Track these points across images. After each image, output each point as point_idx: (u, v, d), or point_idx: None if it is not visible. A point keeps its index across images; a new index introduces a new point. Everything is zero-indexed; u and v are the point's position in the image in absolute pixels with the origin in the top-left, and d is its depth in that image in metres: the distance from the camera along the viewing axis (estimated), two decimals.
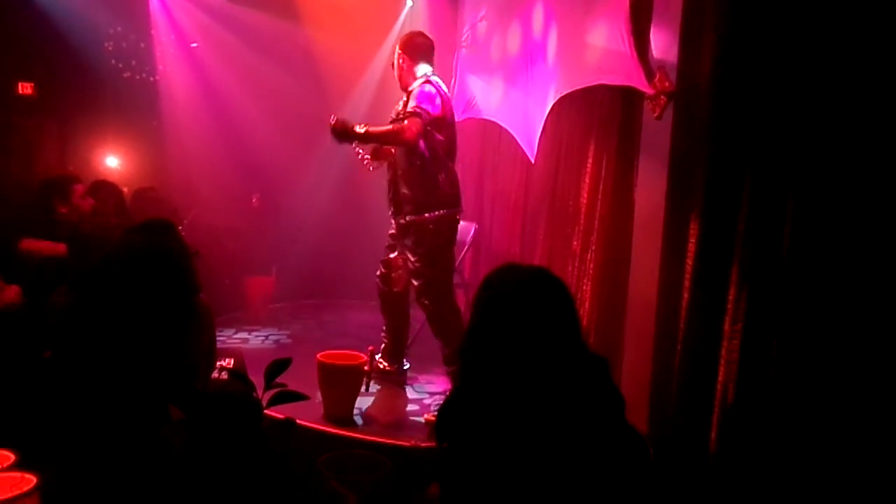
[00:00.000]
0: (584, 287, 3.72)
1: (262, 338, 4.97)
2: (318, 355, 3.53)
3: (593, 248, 3.68)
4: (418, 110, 3.59)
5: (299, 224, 5.93)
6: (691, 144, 2.84)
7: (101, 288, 1.91)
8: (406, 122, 3.58)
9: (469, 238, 4.92)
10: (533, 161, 4.37)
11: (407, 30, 5.53)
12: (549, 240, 4.23)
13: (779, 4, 2.40)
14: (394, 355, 4.13)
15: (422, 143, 3.67)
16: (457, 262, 4.77)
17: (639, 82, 3.26)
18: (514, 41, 4.68)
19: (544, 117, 4.18)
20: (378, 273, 4.13)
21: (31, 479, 1.54)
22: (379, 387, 3.94)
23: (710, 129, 2.67)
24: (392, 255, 4.02)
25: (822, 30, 2.24)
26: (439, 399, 3.81)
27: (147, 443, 1.65)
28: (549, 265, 3.94)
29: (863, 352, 2.13)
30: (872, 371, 2.10)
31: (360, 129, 3.65)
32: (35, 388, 1.93)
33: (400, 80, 3.89)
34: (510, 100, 4.75)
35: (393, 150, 3.84)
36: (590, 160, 3.76)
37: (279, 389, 1.67)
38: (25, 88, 5.60)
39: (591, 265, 3.69)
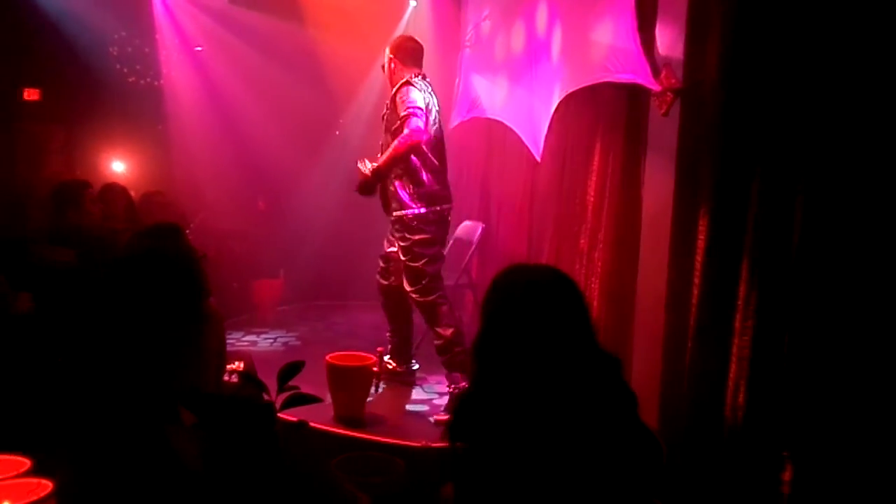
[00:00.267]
0: (593, 285, 3.71)
1: (271, 340, 4.99)
2: (328, 357, 3.54)
3: (601, 246, 3.67)
4: (410, 110, 3.69)
5: (306, 226, 5.93)
6: (699, 141, 2.82)
7: (112, 292, 1.92)
8: (405, 129, 3.67)
9: (476, 238, 4.92)
10: (539, 160, 4.36)
11: (411, 30, 5.54)
12: (556, 238, 4.22)
13: None
14: (401, 355, 4.16)
15: None
16: (464, 263, 4.79)
17: (645, 79, 3.24)
18: (518, 40, 4.67)
19: (550, 116, 4.17)
20: (378, 268, 4.18)
21: (47, 485, 1.54)
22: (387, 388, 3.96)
23: (717, 126, 2.66)
24: (390, 249, 4.09)
25: (830, 23, 2.23)
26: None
27: (160, 446, 1.66)
28: (557, 264, 3.92)
29: (876, 347, 2.12)
30: (887, 367, 2.09)
31: (367, 169, 3.74)
32: (48, 393, 1.94)
33: (390, 82, 4.00)
34: (515, 99, 4.74)
35: (379, 154, 3.88)
36: (596, 158, 3.75)
37: (293, 392, 1.67)
38: (31, 94, 5.62)
39: (599, 263, 3.67)
